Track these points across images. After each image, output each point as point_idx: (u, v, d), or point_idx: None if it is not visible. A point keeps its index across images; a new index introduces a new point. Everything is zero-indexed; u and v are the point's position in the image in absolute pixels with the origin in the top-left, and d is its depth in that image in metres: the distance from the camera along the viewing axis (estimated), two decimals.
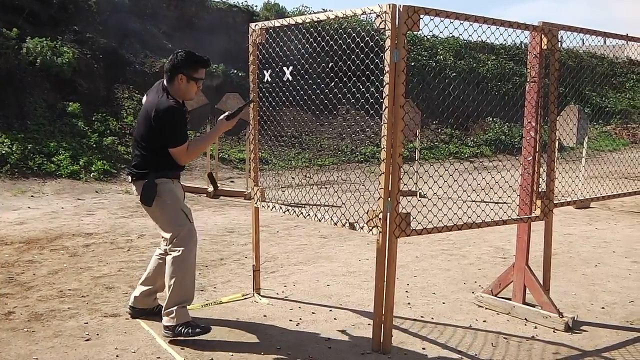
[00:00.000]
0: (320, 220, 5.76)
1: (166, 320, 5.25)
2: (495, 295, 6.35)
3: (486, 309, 6.31)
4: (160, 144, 5.20)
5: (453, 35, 22.97)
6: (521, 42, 18.09)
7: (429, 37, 25.54)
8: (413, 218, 5.08)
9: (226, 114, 5.49)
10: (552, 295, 6.24)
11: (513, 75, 25.89)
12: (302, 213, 5.89)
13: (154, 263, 5.68)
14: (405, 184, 11.11)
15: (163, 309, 5.29)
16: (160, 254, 5.62)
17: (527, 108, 5.97)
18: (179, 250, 5.21)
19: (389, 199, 4.90)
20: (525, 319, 6.03)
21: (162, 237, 5.46)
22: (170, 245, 5.28)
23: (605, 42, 28.03)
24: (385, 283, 5.03)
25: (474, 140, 21.23)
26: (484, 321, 5.98)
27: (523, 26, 5.75)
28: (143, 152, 5.30)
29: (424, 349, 5.28)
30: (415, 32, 5.27)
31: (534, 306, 6.13)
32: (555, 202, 6.15)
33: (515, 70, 26.42)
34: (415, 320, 5.97)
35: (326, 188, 7.51)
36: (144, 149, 5.29)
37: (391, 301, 5.09)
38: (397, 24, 4.80)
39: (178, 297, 5.23)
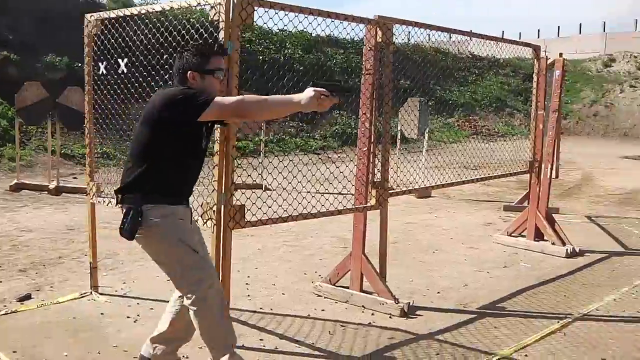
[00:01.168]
0: None
1: None
2: (334, 284, 6.45)
3: (325, 298, 6.41)
4: (172, 151, 4.22)
5: (301, 30, 23.11)
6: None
7: (277, 30, 25.63)
8: (248, 210, 5.09)
9: (313, 89, 4.07)
10: (391, 282, 6.42)
11: (360, 69, 26.28)
12: None
13: (171, 311, 4.63)
14: (249, 176, 11.16)
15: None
16: (176, 298, 4.61)
17: (362, 100, 6.09)
18: (193, 296, 4.21)
19: (223, 191, 4.89)
20: (363, 306, 6.16)
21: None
22: (185, 298, 4.29)
23: (450, 37, 29.08)
24: (221, 275, 5.02)
25: (320, 133, 21.51)
26: (323, 310, 6.08)
27: (358, 19, 5.87)
28: (137, 167, 4.27)
29: (261, 339, 5.32)
30: (249, 24, 5.24)
31: (371, 293, 6.27)
32: (390, 191, 6.31)
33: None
34: (254, 312, 6.00)
35: None
36: (139, 161, 4.28)
37: (228, 293, 5.08)
38: (231, 15, 4.78)
39: (219, 343, 4.37)
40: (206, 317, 4.25)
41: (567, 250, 8.58)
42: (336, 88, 4.23)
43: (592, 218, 11.72)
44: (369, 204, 6.07)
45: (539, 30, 61.37)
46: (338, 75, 24.44)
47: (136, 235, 4.18)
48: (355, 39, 5.94)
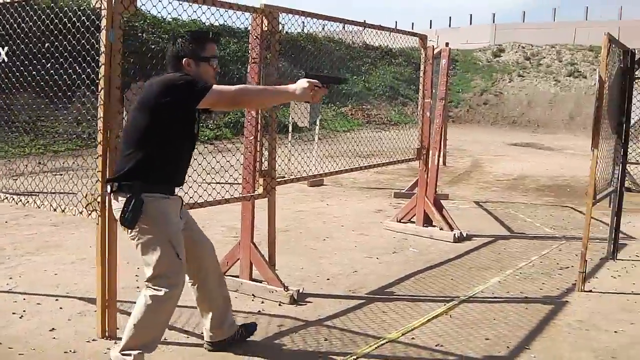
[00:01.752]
0: (39, 207, 5.58)
1: (115, 358, 4.43)
2: (224, 274, 6.43)
3: None
4: (168, 136, 4.29)
5: (194, 19, 22.85)
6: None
7: (170, 20, 25.26)
8: None
9: (303, 82, 4.26)
10: (281, 270, 6.46)
11: None
12: (28, 201, 5.67)
13: (197, 290, 4.88)
14: None
15: (118, 347, 4.46)
16: (192, 286, 4.87)
17: None
18: (158, 290, 4.31)
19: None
20: (253, 294, 6.17)
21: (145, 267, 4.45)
22: (148, 282, 4.37)
23: (344, 27, 29.29)
24: (107, 267, 4.95)
25: (214, 122, 21.34)
26: None
27: (244, 8, 5.86)
28: (133, 153, 4.30)
29: None
30: (131, 12, 5.15)
31: (261, 282, 6.29)
32: (278, 179, 6.34)
33: None
34: None
35: (61, 175, 7.26)
36: (135, 147, 4.30)
37: (114, 286, 5.02)
38: (112, 3, 4.71)
39: (141, 340, 4.40)
40: (155, 315, 4.37)
41: (454, 235, 8.80)
42: (327, 80, 4.46)
43: (480, 203, 12.06)
44: (256, 193, 6.08)
45: (431, 21, 62.67)
46: (232, 65, 24.27)
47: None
48: (249, 28, 5.95)
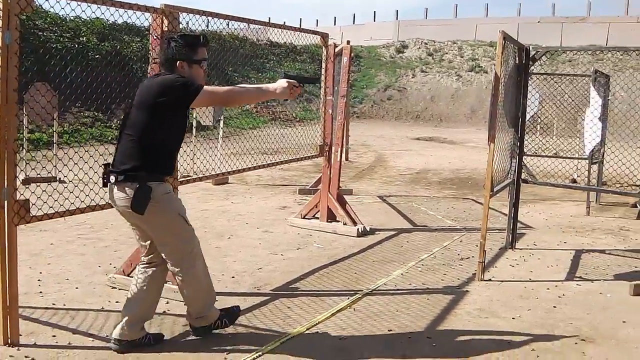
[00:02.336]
0: None
1: (197, 323, 5.22)
2: (127, 275, 6.38)
3: (120, 289, 6.32)
4: (164, 132, 4.77)
5: (97, 17, 22.47)
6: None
7: (72, 17, 24.73)
8: (33, 204, 4.96)
9: (282, 82, 4.94)
10: None
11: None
12: None
13: (141, 284, 5.10)
14: (44, 168, 10.84)
15: (193, 315, 5.21)
16: (144, 268, 5.15)
17: None
18: (184, 262, 4.98)
19: (6, 185, 4.73)
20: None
21: (163, 254, 5.01)
22: (171, 266, 5.01)
23: (249, 25, 29.26)
24: (7, 273, 4.86)
25: (116, 123, 21.04)
26: (117, 302, 5.98)
27: (144, 8, 5.82)
28: (135, 147, 4.74)
29: (54, 336, 5.17)
30: (28, 13, 5.07)
31: (166, 282, 6.24)
32: (181, 179, 6.34)
33: None
34: (47, 308, 5.81)
35: None
36: (137, 142, 4.73)
37: (15, 291, 4.92)
38: (8, 3, 4.62)
39: (202, 303, 5.18)
40: (192, 283, 5.02)
41: (358, 229, 8.92)
42: (303, 80, 5.22)
43: (384, 198, 12.27)
44: None
45: (335, 18, 62.92)
46: (134, 64, 23.95)
47: (127, 209, 4.74)
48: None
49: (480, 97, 35.02)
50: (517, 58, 8.04)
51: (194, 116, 13.23)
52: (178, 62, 4.81)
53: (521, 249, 8.54)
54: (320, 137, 9.11)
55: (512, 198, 8.46)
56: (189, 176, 8.85)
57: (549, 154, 13.07)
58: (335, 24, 51.97)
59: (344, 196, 9.74)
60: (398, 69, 39.61)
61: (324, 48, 8.90)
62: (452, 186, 14.22)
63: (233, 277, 6.92)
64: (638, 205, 11.59)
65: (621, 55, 31.93)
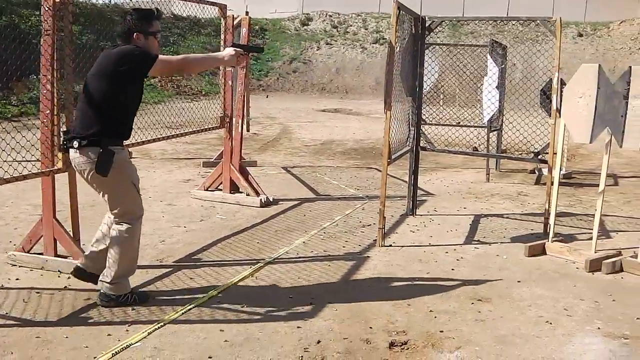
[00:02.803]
0: None
1: (108, 289, 5.36)
2: (28, 252, 6.31)
3: (20, 266, 6.24)
4: (124, 99, 5.16)
5: None
6: None
7: None
8: None
9: (230, 50, 5.33)
10: (87, 245, 6.38)
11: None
12: None
13: (105, 230, 5.57)
14: None
15: (106, 279, 5.35)
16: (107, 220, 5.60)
17: (42, 62, 5.96)
18: (129, 224, 5.37)
19: None
20: (59, 270, 6.09)
21: (110, 211, 5.43)
22: (117, 219, 5.37)
23: None
24: None
25: (19, 99, 20.52)
26: (17, 279, 5.92)
27: None
28: (96, 114, 5.11)
29: None
30: None
31: (66, 257, 6.21)
32: None
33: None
34: None
35: None
36: (97, 108, 5.11)
37: None
38: None
39: (125, 269, 5.40)
40: (125, 245, 5.33)
41: (261, 200, 8.99)
42: (249, 49, 5.74)
43: (288, 169, 12.36)
44: (55, 167, 5.99)
45: None
46: (34, 38, 23.35)
47: (89, 172, 5.15)
48: None
49: (385, 68, 35.32)
50: (413, 28, 8.20)
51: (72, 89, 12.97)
52: (135, 34, 5.17)
53: (422, 215, 8.77)
54: (220, 109, 9.11)
55: (412, 166, 8.64)
56: None
57: (452, 124, 13.34)
58: None
59: (248, 168, 9.77)
60: (303, 42, 39.58)
61: (222, 19, 8.88)
62: (356, 156, 14.41)
63: None
64: (536, 172, 11.99)
65: (522, 27, 32.74)
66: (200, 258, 6.74)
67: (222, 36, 8.94)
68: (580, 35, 34.69)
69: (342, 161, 13.57)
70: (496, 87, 10.98)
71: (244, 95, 9.63)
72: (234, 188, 9.31)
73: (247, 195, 9.13)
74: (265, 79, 35.44)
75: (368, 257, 6.89)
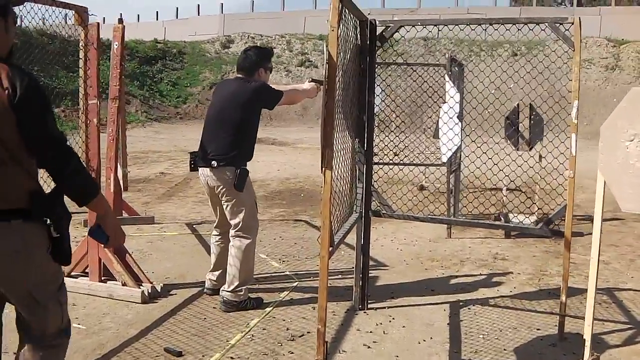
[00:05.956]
0: None
1: (231, 296, 5.83)
2: None
3: None
4: (254, 127, 5.96)
5: None
6: None
7: None
8: None
9: (311, 83, 6.36)
10: None
11: None
12: None
13: (217, 249, 6.21)
14: None
15: (229, 288, 5.83)
16: (218, 239, 6.20)
17: None
18: (249, 238, 5.83)
19: None
20: None
21: (232, 223, 5.86)
22: (239, 232, 5.81)
23: (66, 20, 25.75)
24: None
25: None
26: None
27: None
28: (232, 139, 5.75)
29: None
30: None
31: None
32: None
33: None
34: None
35: None
36: (233, 135, 5.75)
37: None
38: None
39: (246, 278, 5.87)
40: (248, 255, 5.86)
41: (143, 292, 5.98)
42: (319, 81, 6.09)
43: (194, 226, 9.48)
44: None
45: (157, 12, 59.76)
46: None
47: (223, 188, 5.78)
48: None
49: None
50: (359, 36, 5.58)
51: None
52: (260, 69, 6.00)
53: (376, 307, 6.07)
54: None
55: (360, 238, 5.98)
56: None
57: (395, 159, 10.59)
58: (157, 19, 48.60)
59: (143, 226, 6.88)
60: (224, 65, 36.99)
61: (81, 30, 6.09)
62: (282, 202, 11.74)
63: None
64: (502, 218, 9.47)
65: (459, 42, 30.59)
66: None
67: (81, 54, 6.15)
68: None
69: (264, 210, 10.65)
70: (457, 116, 8.49)
71: (114, 139, 6.67)
72: (107, 273, 6.42)
73: (124, 284, 6.26)
74: (183, 106, 32.81)
75: None
